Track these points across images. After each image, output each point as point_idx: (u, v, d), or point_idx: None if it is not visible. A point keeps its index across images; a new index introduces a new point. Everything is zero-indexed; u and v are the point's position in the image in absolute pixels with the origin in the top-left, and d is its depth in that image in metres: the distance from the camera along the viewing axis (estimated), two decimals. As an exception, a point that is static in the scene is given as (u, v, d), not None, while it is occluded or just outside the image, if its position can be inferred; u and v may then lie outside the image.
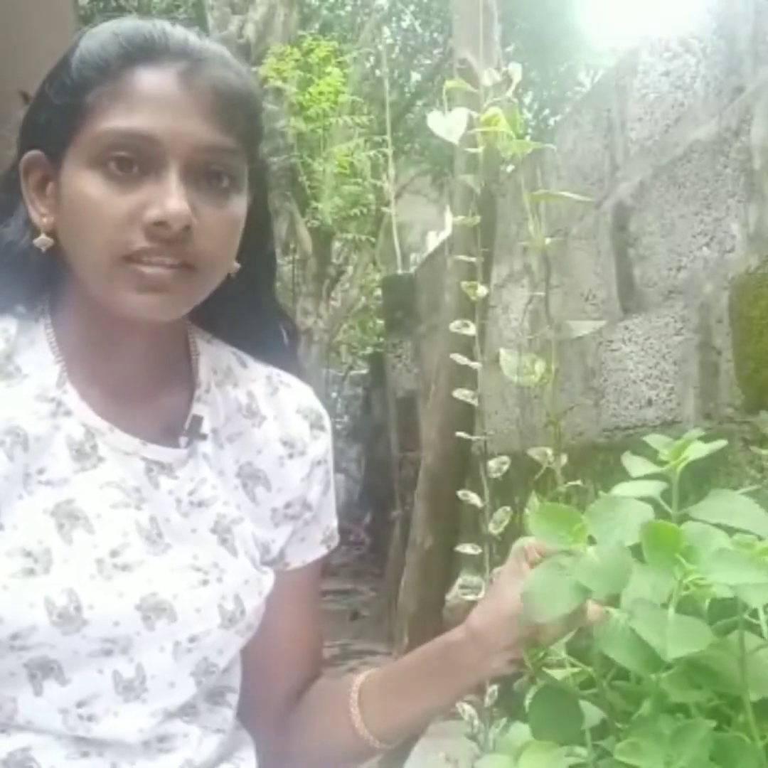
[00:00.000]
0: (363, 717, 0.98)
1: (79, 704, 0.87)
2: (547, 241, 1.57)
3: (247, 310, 1.02)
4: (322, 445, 1.05)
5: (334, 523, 1.08)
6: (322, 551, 1.07)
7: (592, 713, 0.83)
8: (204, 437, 0.97)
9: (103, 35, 0.89)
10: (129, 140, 0.85)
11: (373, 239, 7.31)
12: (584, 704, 0.84)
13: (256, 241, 0.98)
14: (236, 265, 0.95)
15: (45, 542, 0.87)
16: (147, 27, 0.89)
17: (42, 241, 0.90)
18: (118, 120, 0.86)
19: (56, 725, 0.87)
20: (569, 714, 0.81)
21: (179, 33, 0.90)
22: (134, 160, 0.86)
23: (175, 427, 0.96)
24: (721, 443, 0.93)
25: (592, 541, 0.80)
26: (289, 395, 1.05)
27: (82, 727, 0.87)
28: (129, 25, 0.90)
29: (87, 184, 0.86)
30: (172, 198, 0.85)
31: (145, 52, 0.87)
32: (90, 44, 0.89)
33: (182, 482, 0.94)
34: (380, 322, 7.52)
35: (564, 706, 0.82)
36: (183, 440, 0.95)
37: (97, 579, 0.87)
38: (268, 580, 0.99)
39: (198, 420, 0.97)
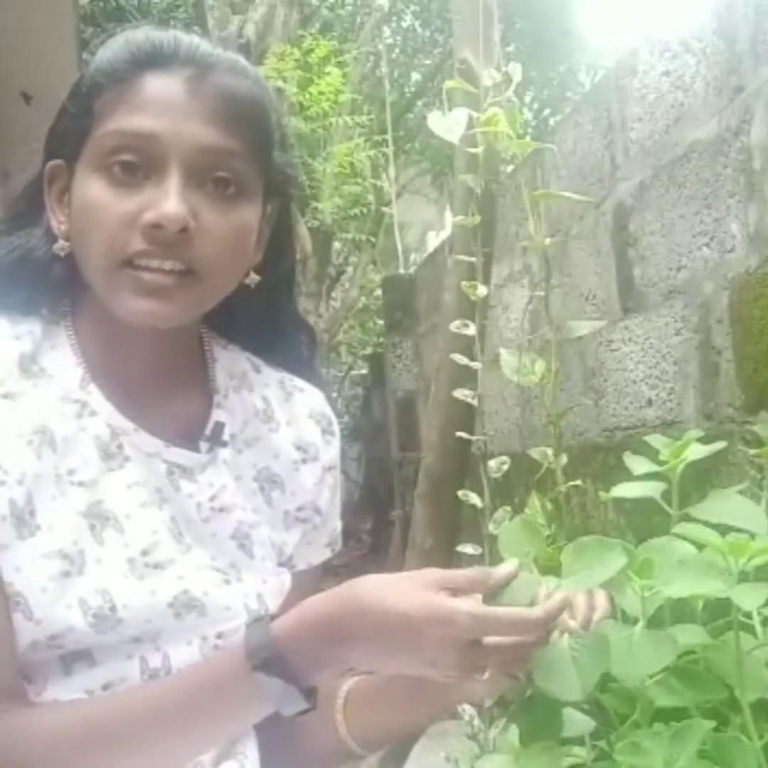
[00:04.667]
0: (347, 723, 0.98)
1: (105, 686, 0.88)
2: (547, 241, 1.57)
3: (266, 320, 1.03)
4: (332, 450, 1.07)
5: (339, 526, 1.10)
6: (326, 554, 1.09)
7: (585, 721, 0.83)
8: (225, 444, 0.98)
9: (116, 44, 0.91)
10: (131, 140, 0.86)
11: (373, 239, 7.30)
12: (575, 713, 0.83)
13: (278, 251, 0.99)
14: (256, 277, 0.96)
15: (79, 544, 0.88)
16: (158, 35, 0.91)
17: (60, 246, 0.92)
18: (121, 121, 0.87)
19: None
20: (552, 722, 0.81)
21: (190, 40, 0.91)
22: (138, 165, 0.87)
23: (194, 431, 0.97)
24: (721, 444, 0.93)
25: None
26: (302, 400, 1.06)
27: None
28: (141, 33, 0.92)
29: (91, 188, 0.88)
30: (169, 200, 0.85)
31: (153, 58, 0.89)
32: (103, 53, 0.91)
33: (202, 487, 0.96)
34: (380, 322, 7.52)
35: (547, 715, 0.81)
36: (204, 445, 0.97)
37: (130, 578, 0.89)
38: (286, 579, 1.01)
39: (220, 426, 0.98)
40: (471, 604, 0.76)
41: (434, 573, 0.79)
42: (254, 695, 0.81)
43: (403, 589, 0.78)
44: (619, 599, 0.81)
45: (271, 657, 0.79)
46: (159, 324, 0.90)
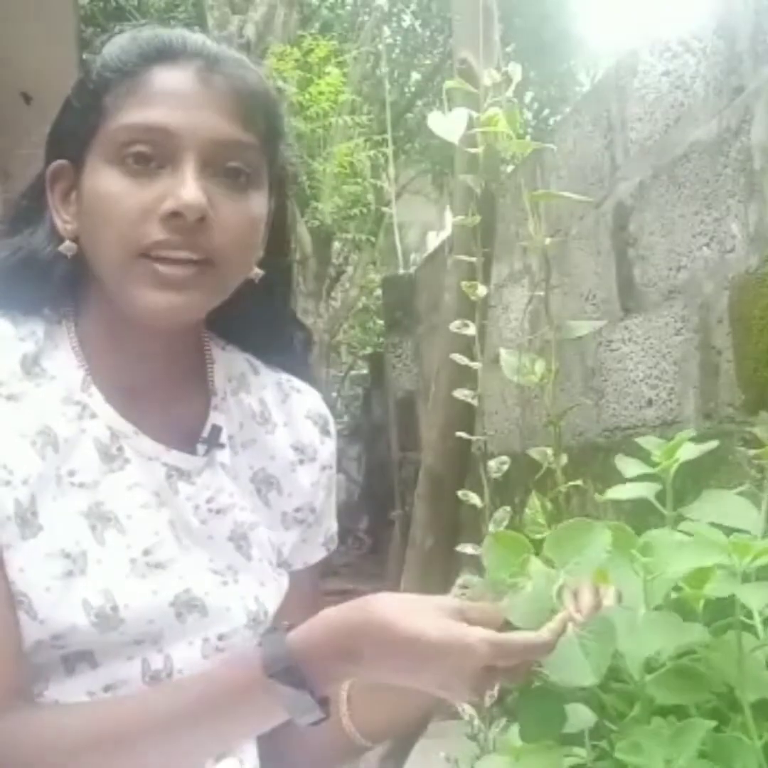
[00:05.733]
0: (351, 714, 0.97)
1: (107, 688, 0.88)
2: (547, 241, 1.57)
3: (263, 318, 1.03)
4: (328, 450, 1.07)
5: (335, 525, 1.10)
6: (322, 553, 1.09)
7: (586, 715, 0.83)
8: (222, 446, 0.98)
9: (123, 41, 0.92)
10: (146, 134, 0.87)
11: (373, 239, 7.31)
12: (579, 706, 0.83)
13: (276, 248, 0.99)
14: (258, 271, 0.96)
15: (81, 544, 0.88)
16: (165, 31, 0.92)
17: (67, 247, 0.92)
18: (135, 115, 0.87)
19: None
20: (555, 716, 0.81)
21: (197, 37, 0.92)
22: (151, 155, 0.87)
23: (192, 434, 0.97)
24: (714, 443, 0.93)
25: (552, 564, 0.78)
26: (299, 401, 1.07)
27: None
28: (148, 29, 0.93)
29: (105, 181, 0.88)
30: (187, 188, 0.85)
31: (162, 53, 0.90)
32: (110, 49, 0.91)
33: (199, 489, 0.96)
34: (380, 322, 7.53)
35: (550, 709, 0.81)
36: (201, 448, 0.97)
37: (132, 578, 0.89)
38: (284, 581, 1.02)
39: (217, 429, 0.98)
40: (488, 633, 0.75)
41: (452, 601, 0.79)
42: (269, 706, 0.81)
43: (423, 612, 0.77)
44: (621, 587, 0.80)
45: (288, 668, 0.79)
46: (178, 317, 0.89)
